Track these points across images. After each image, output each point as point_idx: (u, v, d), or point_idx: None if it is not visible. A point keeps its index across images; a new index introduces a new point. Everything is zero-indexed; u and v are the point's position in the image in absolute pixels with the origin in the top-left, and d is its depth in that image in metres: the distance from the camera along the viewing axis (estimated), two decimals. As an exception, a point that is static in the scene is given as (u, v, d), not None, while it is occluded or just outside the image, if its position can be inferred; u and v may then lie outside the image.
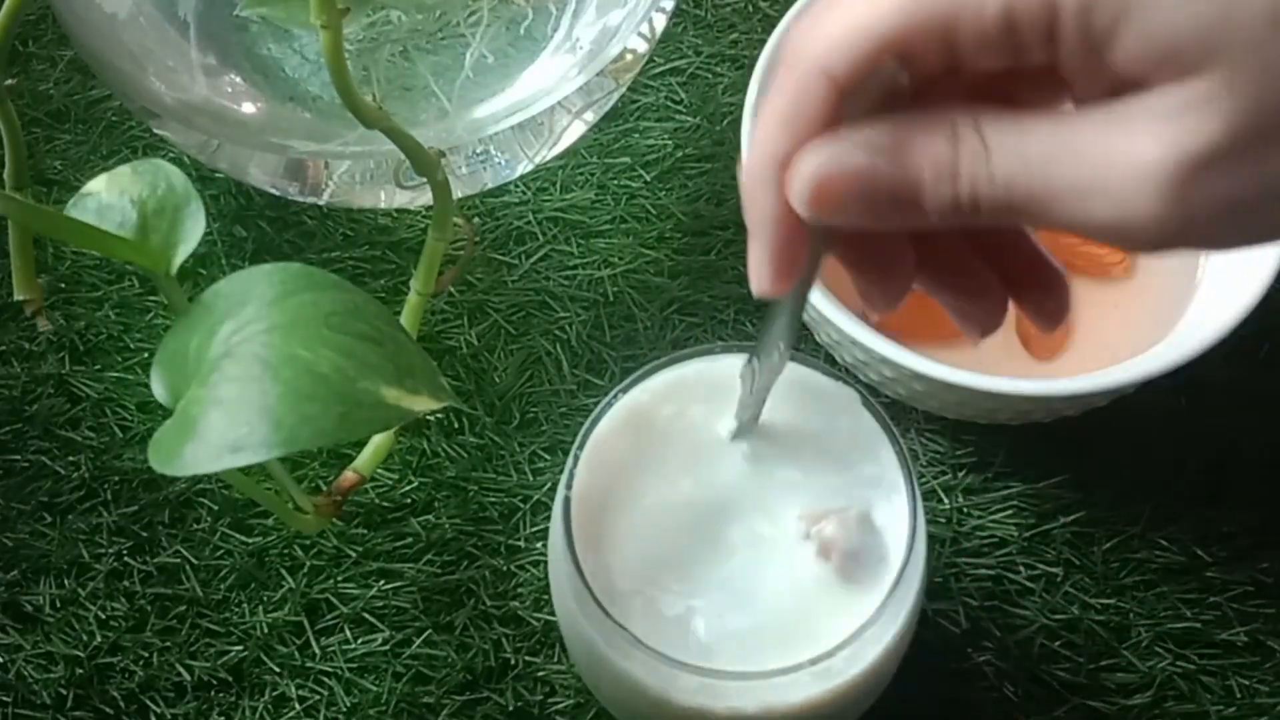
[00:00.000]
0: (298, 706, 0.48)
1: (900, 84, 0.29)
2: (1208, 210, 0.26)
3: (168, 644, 0.49)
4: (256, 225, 0.56)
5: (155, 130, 0.53)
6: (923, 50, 0.28)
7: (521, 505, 0.51)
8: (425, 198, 0.51)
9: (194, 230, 0.44)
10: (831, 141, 0.29)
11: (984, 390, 0.46)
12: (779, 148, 0.30)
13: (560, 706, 0.48)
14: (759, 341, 0.37)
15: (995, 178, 0.28)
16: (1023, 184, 0.28)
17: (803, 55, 0.29)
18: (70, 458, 0.52)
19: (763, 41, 0.51)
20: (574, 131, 0.54)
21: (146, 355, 0.53)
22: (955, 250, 0.34)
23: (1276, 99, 0.25)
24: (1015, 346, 0.50)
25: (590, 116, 0.54)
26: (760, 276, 0.32)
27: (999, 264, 0.34)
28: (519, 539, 0.50)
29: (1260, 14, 0.25)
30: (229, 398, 0.37)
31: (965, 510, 0.50)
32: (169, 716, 0.48)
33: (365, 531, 0.50)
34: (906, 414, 0.52)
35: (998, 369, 0.46)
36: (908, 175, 0.29)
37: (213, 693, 0.48)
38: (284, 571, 0.50)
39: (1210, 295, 0.49)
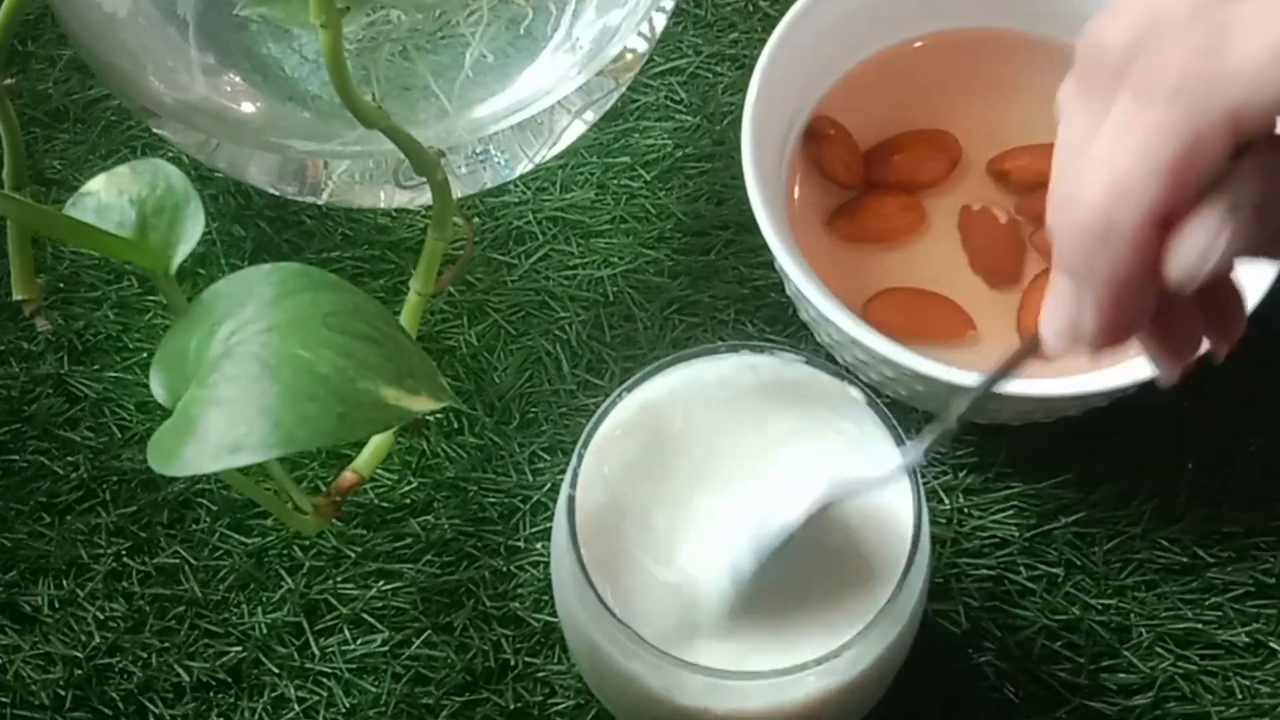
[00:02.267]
0: (297, 707, 0.48)
1: None
2: None
3: (166, 645, 0.49)
4: (255, 225, 0.56)
5: (154, 130, 0.53)
6: None
7: (521, 506, 0.51)
8: (425, 197, 0.51)
9: (193, 230, 0.44)
10: (1233, 207, 0.25)
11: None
12: (1151, 201, 0.25)
13: (560, 707, 0.47)
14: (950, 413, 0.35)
15: None
16: None
17: (1202, 92, 0.24)
18: (69, 458, 0.52)
19: (763, 41, 0.51)
20: (574, 131, 0.54)
21: (145, 355, 0.53)
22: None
23: None
24: (1017, 346, 0.50)
25: (590, 116, 0.54)
26: (1097, 332, 0.28)
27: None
28: (519, 539, 0.50)
29: None
30: (228, 398, 0.37)
31: (966, 510, 0.50)
32: (168, 717, 0.48)
33: (364, 532, 0.50)
34: (907, 414, 0.51)
35: None
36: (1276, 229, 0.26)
37: (212, 694, 0.48)
38: (283, 572, 0.50)
39: None
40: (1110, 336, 0.28)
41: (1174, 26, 0.25)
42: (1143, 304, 0.27)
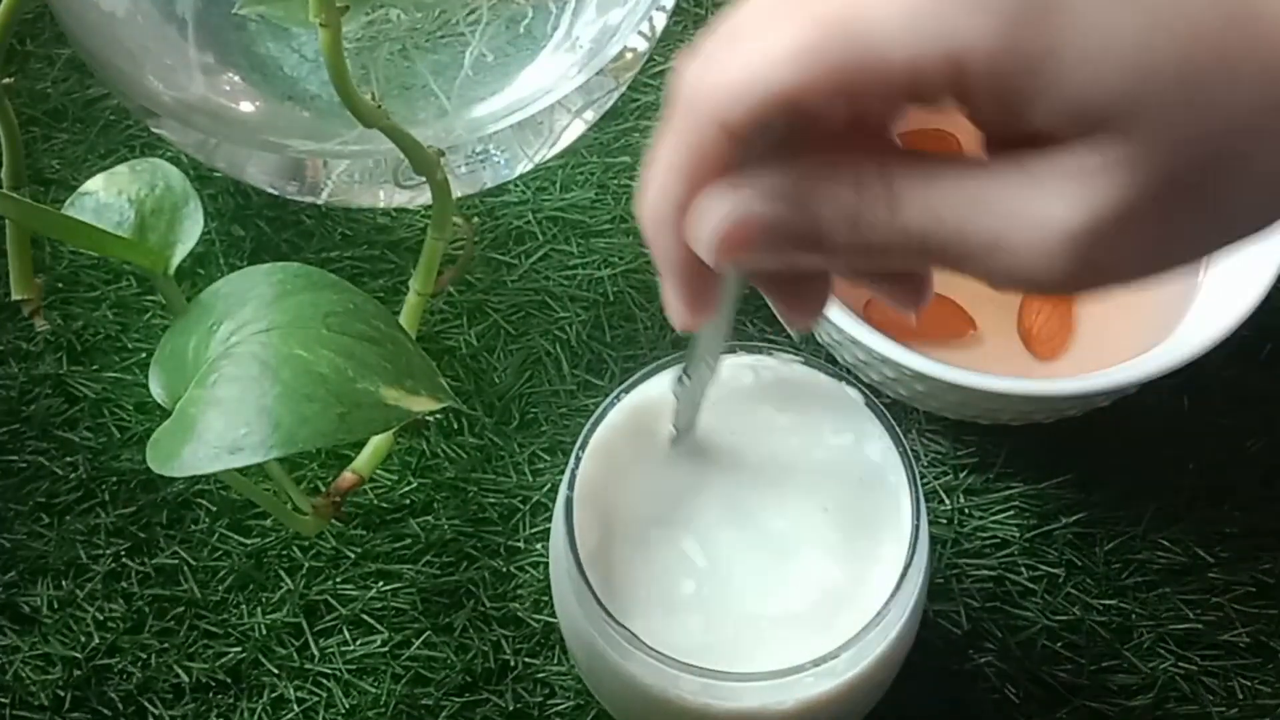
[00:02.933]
0: (296, 708, 0.48)
1: (800, 126, 0.28)
2: (1111, 265, 0.27)
3: (166, 645, 0.49)
4: (255, 224, 0.56)
5: (153, 129, 0.53)
6: (819, 102, 0.27)
7: (521, 506, 0.51)
8: (424, 197, 0.51)
9: (192, 229, 0.44)
10: (729, 192, 0.29)
11: (985, 390, 0.45)
12: (676, 194, 0.29)
13: (560, 708, 0.47)
14: (688, 356, 0.37)
15: (903, 227, 0.28)
16: (932, 234, 0.28)
17: (695, 102, 0.28)
18: (68, 458, 0.52)
19: (763, 40, 0.51)
20: (574, 130, 0.54)
21: (144, 355, 0.53)
22: None
23: (1184, 163, 0.25)
24: (1017, 346, 0.50)
25: (590, 115, 0.54)
26: (677, 313, 0.32)
27: None
28: (519, 540, 0.50)
29: (1172, 79, 0.25)
30: (228, 398, 0.37)
31: (967, 511, 0.50)
32: (167, 718, 0.48)
33: (364, 533, 0.50)
34: (908, 414, 0.51)
35: (999, 369, 0.46)
36: (812, 223, 0.28)
37: (211, 694, 0.48)
38: (282, 573, 0.50)
39: (1212, 295, 0.49)
40: (691, 314, 0.32)
41: (703, 51, 0.28)
42: (709, 282, 0.31)
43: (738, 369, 0.41)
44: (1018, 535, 0.50)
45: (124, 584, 0.50)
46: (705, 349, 0.37)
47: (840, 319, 0.46)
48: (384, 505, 0.51)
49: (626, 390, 0.40)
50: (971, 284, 0.52)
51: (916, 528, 0.38)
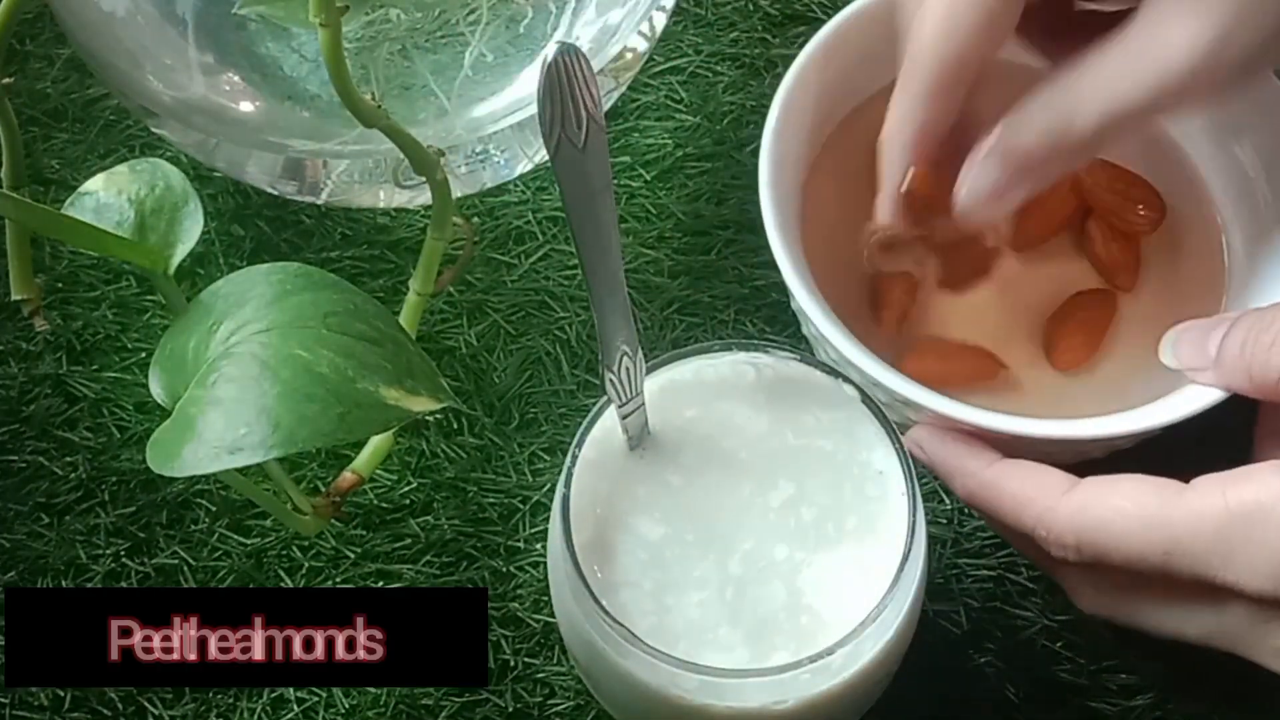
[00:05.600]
0: (296, 708, 0.48)
1: None
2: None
3: (166, 645, 0.49)
4: (254, 224, 0.56)
5: (153, 129, 0.53)
6: None
7: (521, 506, 0.51)
8: (424, 197, 0.51)
9: (192, 229, 0.44)
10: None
11: (984, 428, 0.43)
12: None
13: (560, 708, 0.47)
14: (602, 351, 0.37)
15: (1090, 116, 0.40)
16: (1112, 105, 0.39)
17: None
18: (68, 458, 0.52)
19: (763, 40, 0.51)
20: (574, 130, 0.54)
21: (144, 355, 0.53)
22: None
23: None
24: (1042, 384, 0.47)
25: (590, 115, 0.54)
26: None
27: None
28: (518, 540, 0.50)
29: None
30: (227, 398, 0.37)
31: (966, 511, 0.50)
32: (167, 718, 0.48)
33: (364, 532, 0.50)
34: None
35: (1020, 409, 0.44)
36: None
37: (211, 694, 0.48)
38: (282, 573, 0.50)
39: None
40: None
41: None
42: None
43: (735, 366, 0.41)
44: (1018, 535, 0.50)
45: (124, 584, 0.50)
46: (614, 334, 0.37)
47: (839, 340, 0.43)
48: (384, 505, 0.51)
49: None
50: (998, 322, 0.49)
51: (913, 525, 0.38)
